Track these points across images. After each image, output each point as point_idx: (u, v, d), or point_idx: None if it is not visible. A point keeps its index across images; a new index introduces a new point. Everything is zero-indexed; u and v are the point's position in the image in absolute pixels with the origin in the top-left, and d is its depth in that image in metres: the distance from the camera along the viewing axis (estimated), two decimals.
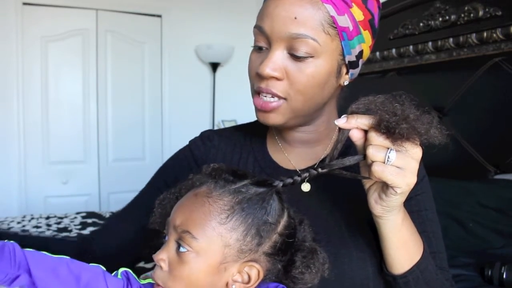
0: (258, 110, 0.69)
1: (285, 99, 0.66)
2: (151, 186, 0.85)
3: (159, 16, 3.47)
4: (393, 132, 0.51)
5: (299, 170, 0.74)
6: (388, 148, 0.52)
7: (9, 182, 3.06)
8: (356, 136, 0.55)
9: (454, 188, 1.52)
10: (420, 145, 0.53)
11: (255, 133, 0.82)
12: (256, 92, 0.68)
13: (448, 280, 0.71)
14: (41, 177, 3.17)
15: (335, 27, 0.63)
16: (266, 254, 0.56)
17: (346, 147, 0.68)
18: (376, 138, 0.52)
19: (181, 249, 0.54)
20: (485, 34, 1.67)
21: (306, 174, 0.57)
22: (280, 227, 0.57)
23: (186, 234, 0.54)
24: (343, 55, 0.67)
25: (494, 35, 1.64)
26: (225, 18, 3.46)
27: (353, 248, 0.68)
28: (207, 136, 0.84)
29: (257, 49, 0.68)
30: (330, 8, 0.62)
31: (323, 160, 0.73)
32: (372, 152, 0.52)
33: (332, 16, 0.63)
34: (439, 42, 1.85)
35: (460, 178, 1.59)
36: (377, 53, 2.16)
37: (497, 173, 1.62)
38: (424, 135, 0.52)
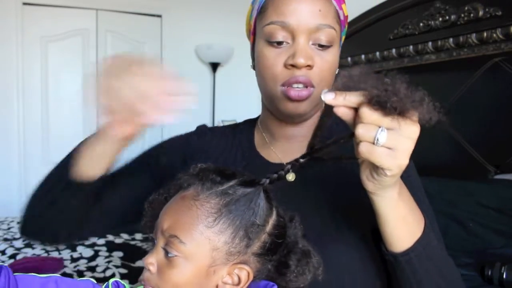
0: (289, 100, 0.70)
1: (313, 87, 0.69)
2: (144, 157, 0.87)
3: (159, 16, 3.47)
4: (386, 106, 0.47)
5: (286, 163, 0.74)
6: (380, 127, 0.48)
7: (9, 182, 3.06)
8: (345, 114, 0.51)
9: (454, 188, 1.52)
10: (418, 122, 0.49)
11: (243, 131, 0.85)
12: (285, 85, 0.70)
13: None
14: (41, 177, 3.17)
15: (339, 20, 0.72)
16: (256, 255, 0.55)
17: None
18: (368, 115, 0.48)
19: (169, 254, 0.54)
20: (485, 34, 1.66)
21: (289, 166, 0.56)
22: (269, 227, 0.56)
23: (173, 238, 0.53)
24: (340, 46, 0.75)
25: (494, 35, 1.64)
26: (225, 18, 3.46)
27: (341, 235, 0.68)
28: (203, 131, 0.87)
29: (275, 44, 0.70)
30: (335, 3, 0.71)
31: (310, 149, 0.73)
32: (361, 132, 0.49)
33: (337, 10, 0.71)
34: (439, 42, 1.85)
35: (460, 178, 1.59)
36: (377, 53, 2.16)
37: (497, 173, 1.62)
38: (419, 110, 0.48)
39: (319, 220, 0.69)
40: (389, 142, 0.48)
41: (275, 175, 0.56)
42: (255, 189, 0.55)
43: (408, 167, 0.74)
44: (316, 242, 0.63)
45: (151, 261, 0.55)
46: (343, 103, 0.50)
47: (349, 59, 2.26)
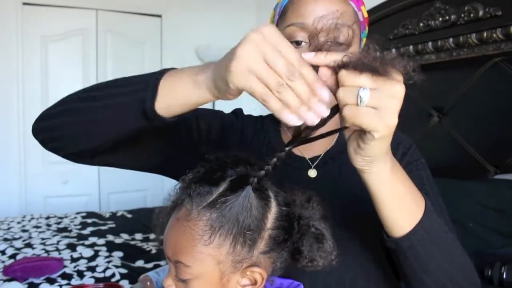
0: None
1: None
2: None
3: (159, 16, 3.47)
4: (365, 66, 0.46)
5: (308, 159, 0.79)
6: (361, 87, 0.46)
7: (9, 182, 3.06)
8: (326, 75, 0.50)
9: (454, 188, 1.52)
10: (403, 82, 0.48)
11: (269, 122, 0.87)
12: None
13: None
14: (41, 177, 3.17)
15: (358, 21, 0.74)
16: (264, 253, 0.55)
17: None
18: (347, 77, 0.47)
19: (181, 277, 0.56)
20: (485, 34, 1.66)
21: (275, 160, 0.55)
22: (269, 223, 0.55)
23: (179, 264, 0.55)
24: (360, 47, 0.76)
25: (494, 35, 1.64)
26: (225, 18, 3.46)
27: (357, 233, 0.70)
28: (240, 114, 0.90)
29: (294, 44, 0.71)
30: (353, 4, 0.74)
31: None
32: (342, 95, 0.47)
33: (355, 11, 0.74)
34: (439, 42, 1.85)
35: (460, 178, 1.59)
36: (377, 53, 2.16)
37: (497, 173, 1.62)
38: (401, 69, 0.47)
39: (331, 219, 0.69)
40: (372, 100, 0.46)
41: (263, 172, 0.55)
42: (244, 191, 0.54)
43: (419, 163, 0.76)
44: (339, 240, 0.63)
45: (169, 283, 0.57)
46: (324, 61, 0.49)
47: None
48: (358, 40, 0.74)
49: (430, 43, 1.89)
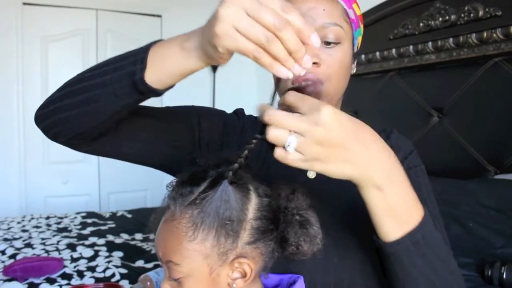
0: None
1: (322, 83, 0.71)
2: (185, 113, 0.84)
3: (159, 16, 3.47)
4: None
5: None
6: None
7: (9, 182, 3.06)
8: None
9: (454, 188, 1.52)
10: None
11: None
12: (295, 83, 0.71)
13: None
14: (41, 177, 3.17)
15: (348, 19, 0.74)
16: (250, 243, 0.56)
17: None
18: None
19: (174, 277, 0.57)
20: (485, 34, 1.67)
21: (246, 152, 0.57)
22: (250, 213, 0.57)
23: (170, 263, 0.57)
24: (353, 45, 0.76)
25: (494, 35, 1.64)
26: None
27: (356, 233, 0.70)
28: (242, 114, 0.92)
29: None
30: (342, 3, 0.73)
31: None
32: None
33: (345, 9, 0.73)
34: (439, 42, 1.85)
35: (460, 178, 1.59)
36: (377, 53, 2.16)
37: (497, 173, 1.62)
38: None
39: (331, 219, 0.69)
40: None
41: (236, 165, 0.56)
42: (221, 186, 0.56)
43: (419, 169, 0.76)
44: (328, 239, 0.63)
45: (166, 286, 0.59)
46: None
47: None
48: (349, 38, 0.74)
49: (430, 43, 1.89)
